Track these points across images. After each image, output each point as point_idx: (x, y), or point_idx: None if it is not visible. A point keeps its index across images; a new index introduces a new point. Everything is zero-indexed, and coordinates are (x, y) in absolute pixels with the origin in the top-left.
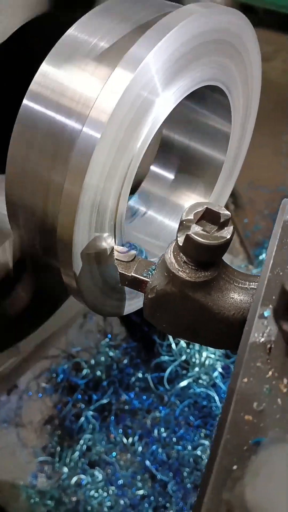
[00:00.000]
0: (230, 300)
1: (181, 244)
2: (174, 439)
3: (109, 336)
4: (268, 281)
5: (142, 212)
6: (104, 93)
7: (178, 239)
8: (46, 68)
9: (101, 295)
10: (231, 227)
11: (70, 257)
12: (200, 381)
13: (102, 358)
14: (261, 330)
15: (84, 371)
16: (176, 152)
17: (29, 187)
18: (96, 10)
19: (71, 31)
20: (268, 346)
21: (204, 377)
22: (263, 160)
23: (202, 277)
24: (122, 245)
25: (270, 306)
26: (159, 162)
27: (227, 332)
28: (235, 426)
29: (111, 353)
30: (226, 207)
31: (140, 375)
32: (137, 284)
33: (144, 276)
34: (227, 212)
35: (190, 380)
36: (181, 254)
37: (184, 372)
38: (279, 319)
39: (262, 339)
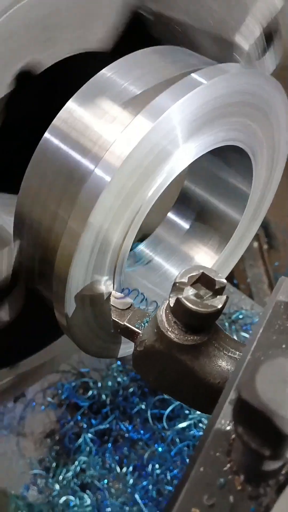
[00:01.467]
0: (217, 368)
1: (172, 306)
2: (168, 477)
3: (119, 362)
4: (247, 365)
5: (149, 258)
6: (122, 138)
7: (170, 300)
8: (71, 106)
9: (93, 336)
10: (224, 297)
11: (63, 295)
12: (201, 425)
13: (110, 383)
14: (228, 417)
15: (90, 392)
16: (194, 204)
17: (37, 217)
18: (130, 56)
19: (102, 73)
20: (232, 436)
21: (205, 421)
22: None
23: (191, 340)
24: (122, 291)
25: None
26: (176, 211)
27: (209, 399)
28: None
29: (119, 379)
30: (260, 246)
31: (143, 406)
32: (129, 334)
33: (137, 327)
34: (223, 280)
35: (190, 422)
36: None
37: (187, 412)
38: (235, 421)
39: (228, 428)
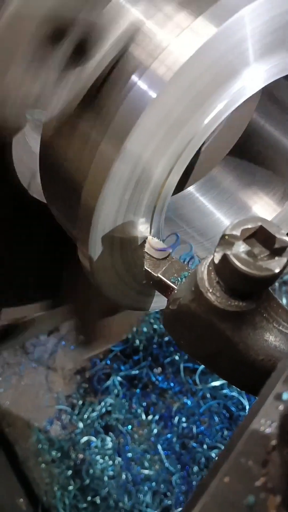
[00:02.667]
0: (263, 343)
1: (216, 262)
2: (194, 432)
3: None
4: None
5: (198, 203)
6: (176, 44)
7: (215, 255)
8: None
9: (120, 286)
10: (285, 260)
11: (88, 233)
12: None
13: (145, 329)
14: (271, 417)
15: (124, 336)
16: (261, 143)
17: (66, 138)
18: None
19: None
20: (273, 442)
21: None
22: None
23: (234, 306)
24: (160, 237)
25: None
26: (239, 150)
27: (249, 376)
28: None
29: (155, 326)
30: None
31: (177, 357)
32: (162, 288)
33: (172, 282)
34: (286, 239)
35: (224, 381)
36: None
37: None
38: (282, 440)
39: (269, 430)
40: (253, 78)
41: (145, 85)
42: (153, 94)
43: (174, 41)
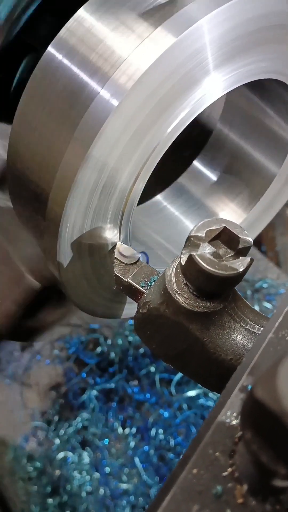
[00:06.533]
0: (231, 342)
1: (183, 264)
2: (171, 444)
3: (131, 321)
4: (268, 344)
5: (166, 211)
6: (136, 54)
7: (182, 256)
8: (83, 14)
9: (91, 293)
10: (248, 259)
11: (55, 242)
12: (211, 394)
13: (120, 341)
14: (236, 409)
15: (99, 349)
16: (226, 152)
17: (32, 147)
18: None
19: None
20: (239, 433)
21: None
22: None
23: (202, 307)
24: (127, 243)
25: None
26: (204, 158)
27: (220, 376)
28: None
29: (130, 338)
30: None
31: (153, 369)
32: (132, 293)
33: (142, 286)
34: (249, 239)
35: (200, 391)
36: None
37: None
38: (244, 424)
39: (235, 422)
40: (213, 87)
41: (107, 93)
42: (115, 102)
43: (134, 51)
